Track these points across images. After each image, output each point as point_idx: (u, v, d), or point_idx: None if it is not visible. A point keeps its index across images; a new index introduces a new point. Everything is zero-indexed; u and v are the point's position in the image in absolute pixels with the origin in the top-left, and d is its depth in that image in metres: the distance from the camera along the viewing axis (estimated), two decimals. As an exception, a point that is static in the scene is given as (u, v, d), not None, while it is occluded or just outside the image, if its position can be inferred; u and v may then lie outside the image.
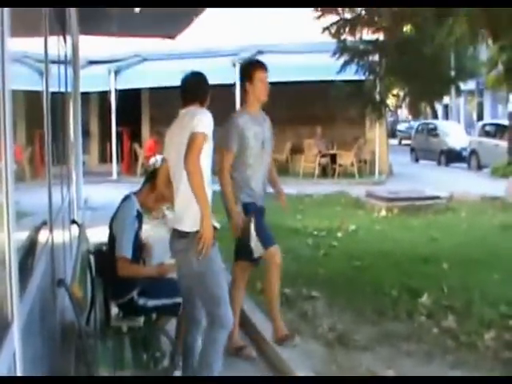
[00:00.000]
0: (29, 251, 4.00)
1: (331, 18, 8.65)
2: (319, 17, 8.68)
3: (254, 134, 5.59)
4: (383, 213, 12.85)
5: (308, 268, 8.19)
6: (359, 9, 8.54)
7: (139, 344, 4.33)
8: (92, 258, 5.63)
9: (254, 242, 5.45)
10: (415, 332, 5.90)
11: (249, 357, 5.55)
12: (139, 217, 5.04)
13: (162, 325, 5.03)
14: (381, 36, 8.90)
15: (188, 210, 4.33)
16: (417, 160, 30.31)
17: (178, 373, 4.75)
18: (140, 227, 5.06)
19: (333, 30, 8.69)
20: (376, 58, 8.92)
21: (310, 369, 5.00)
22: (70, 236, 6.77)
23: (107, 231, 5.15)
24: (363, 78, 9.03)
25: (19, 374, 2.66)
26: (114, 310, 4.95)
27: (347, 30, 8.62)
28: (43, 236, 4.66)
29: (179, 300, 4.93)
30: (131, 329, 4.66)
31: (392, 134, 46.94)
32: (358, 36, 8.76)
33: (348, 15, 8.60)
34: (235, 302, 5.41)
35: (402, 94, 9.89)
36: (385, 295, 6.89)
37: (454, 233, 10.71)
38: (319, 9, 8.61)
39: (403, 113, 48.92)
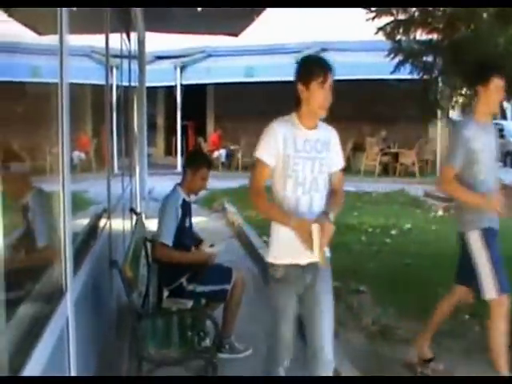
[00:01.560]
0: (89, 234, 4.31)
1: (386, 18, 8.76)
2: (373, 18, 8.78)
3: (482, 145, 4.75)
4: (440, 213, 12.86)
5: (359, 263, 8.34)
6: (412, 9, 8.63)
7: (186, 325, 4.59)
8: (148, 244, 5.96)
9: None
10: (457, 329, 5.98)
11: (435, 371, 5.18)
12: (185, 205, 5.23)
13: (211, 309, 5.28)
14: (435, 36, 8.94)
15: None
16: (482, 161, 29.79)
17: (222, 355, 5.02)
18: (187, 215, 5.26)
19: (387, 31, 8.80)
20: (430, 58, 8.97)
21: (350, 360, 5.15)
22: (128, 223, 7.10)
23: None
24: (419, 77, 9.08)
25: (71, 338, 2.96)
26: (165, 294, 5.24)
27: (401, 30, 8.72)
28: (103, 222, 4.98)
29: (227, 287, 5.18)
30: (180, 311, 4.94)
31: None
32: (412, 36, 8.85)
33: (402, 16, 8.70)
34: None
35: (467, 93, 9.89)
36: (431, 292, 6.97)
37: (510, 235, 10.65)
38: (372, 9, 8.72)
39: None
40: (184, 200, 5.26)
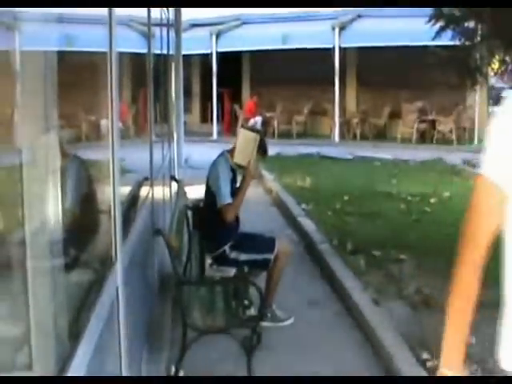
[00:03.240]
0: (132, 203, 4.32)
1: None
2: None
3: None
4: (479, 181, 12.69)
5: (398, 232, 8.27)
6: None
7: (230, 293, 4.60)
8: (189, 213, 5.96)
9: None
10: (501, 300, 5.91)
11: None
12: (233, 172, 5.27)
13: (254, 277, 5.29)
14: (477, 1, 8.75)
15: None
16: (521, 129, 29.41)
17: (264, 323, 5.02)
18: (234, 181, 5.29)
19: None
20: (472, 24, 8.78)
21: (393, 329, 5.14)
22: (169, 191, 7.12)
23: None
24: (459, 43, 8.91)
25: (121, 309, 2.97)
26: (208, 262, 5.26)
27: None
28: (145, 190, 4.98)
29: (269, 256, 5.18)
30: (223, 279, 4.96)
31: (497, 101, 45.63)
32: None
33: None
34: None
35: (508, 59, 9.70)
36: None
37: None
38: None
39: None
40: (231, 166, 5.30)
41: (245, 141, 5.14)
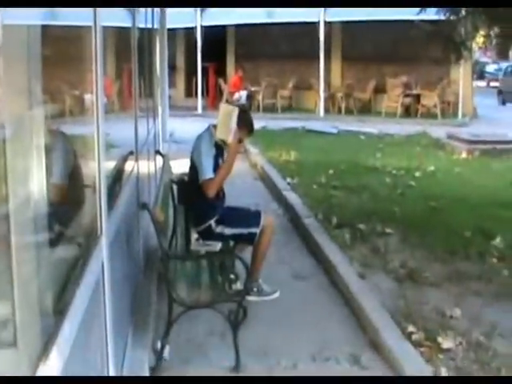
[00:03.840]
0: (117, 177, 4.29)
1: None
2: None
3: None
4: (463, 155, 12.76)
5: (384, 206, 8.30)
6: None
7: (215, 268, 4.60)
8: (175, 187, 5.94)
9: None
10: (485, 273, 5.95)
11: None
12: (218, 147, 5.22)
13: (240, 251, 5.29)
14: None
15: None
16: (504, 103, 29.48)
17: (250, 297, 5.02)
18: (219, 156, 5.24)
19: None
20: None
21: (378, 302, 5.16)
22: (154, 166, 7.08)
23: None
24: (444, 18, 8.88)
25: (106, 283, 2.96)
26: (194, 236, 5.25)
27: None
28: (130, 165, 4.95)
29: (255, 230, 5.17)
30: (209, 253, 4.95)
31: (481, 75, 45.66)
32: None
33: None
34: None
35: (492, 34, 9.69)
36: (458, 236, 6.95)
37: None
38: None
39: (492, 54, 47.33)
40: (216, 142, 5.24)
41: (224, 115, 5.12)
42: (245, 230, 5.21)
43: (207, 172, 5.10)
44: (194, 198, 5.21)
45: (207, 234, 5.18)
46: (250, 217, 5.28)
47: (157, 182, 6.33)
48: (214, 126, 5.27)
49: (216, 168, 5.15)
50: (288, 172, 10.28)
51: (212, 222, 5.17)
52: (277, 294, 5.36)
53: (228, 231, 5.16)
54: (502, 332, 4.69)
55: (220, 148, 5.28)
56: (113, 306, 3.14)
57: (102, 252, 2.93)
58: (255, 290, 5.26)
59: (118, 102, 6.91)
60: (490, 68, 46.57)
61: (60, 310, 2.21)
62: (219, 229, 5.17)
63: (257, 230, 5.19)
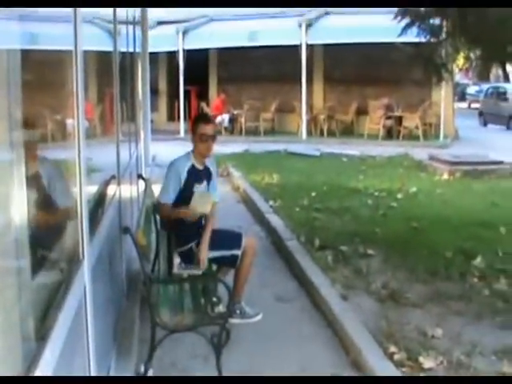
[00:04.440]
0: (99, 202, 4.31)
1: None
2: None
3: None
4: (445, 176, 12.87)
5: (366, 227, 8.35)
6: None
7: (198, 291, 4.61)
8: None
9: None
10: (466, 293, 6.00)
11: None
12: (193, 171, 5.27)
13: (223, 275, 5.30)
14: None
15: None
16: (485, 124, 29.76)
17: (233, 320, 5.03)
18: (194, 181, 5.27)
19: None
20: (438, 21, 8.88)
21: (360, 323, 5.19)
22: (136, 190, 7.10)
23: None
24: (425, 40, 9.01)
25: (89, 307, 2.97)
26: (177, 260, 5.26)
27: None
28: (112, 189, 4.97)
29: (237, 252, 5.19)
30: (191, 277, 4.96)
31: (462, 97, 46.10)
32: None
33: None
34: None
35: (472, 56, 9.82)
36: (439, 256, 7.00)
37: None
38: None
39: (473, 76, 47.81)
40: (193, 166, 5.28)
41: (200, 197, 5.21)
42: (227, 253, 5.23)
43: (164, 194, 5.20)
44: (174, 221, 5.24)
45: (189, 257, 5.19)
46: (231, 239, 5.30)
47: (139, 206, 6.34)
48: (192, 151, 5.33)
49: (185, 193, 5.19)
50: (270, 195, 10.32)
51: (193, 245, 5.19)
52: (259, 317, 5.37)
53: (210, 254, 5.18)
54: (482, 351, 4.73)
55: (197, 172, 5.33)
56: (95, 330, 3.15)
57: (84, 276, 2.95)
58: (238, 312, 5.26)
59: (99, 127, 6.92)
60: (471, 90, 47.02)
61: (42, 334, 2.22)
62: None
63: (238, 252, 5.21)
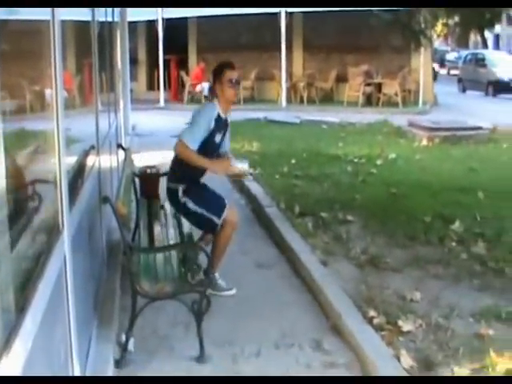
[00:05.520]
0: (78, 172, 4.31)
1: None
2: None
3: None
4: (424, 142, 12.95)
5: (345, 194, 8.41)
6: None
7: (178, 259, 4.62)
8: (137, 180, 5.97)
9: None
10: (445, 257, 6.08)
11: None
12: (219, 121, 5.26)
13: (206, 244, 5.30)
14: None
15: None
16: (464, 90, 29.91)
17: (210, 290, 5.04)
18: (219, 131, 5.30)
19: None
20: None
21: (339, 287, 5.25)
22: (116, 159, 7.09)
23: (153, 156, 5.41)
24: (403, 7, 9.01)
25: (69, 277, 2.99)
26: (157, 228, 5.28)
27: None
28: (91, 159, 4.97)
29: (216, 220, 5.19)
30: (172, 245, 4.98)
31: (441, 63, 46.15)
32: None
33: None
34: None
35: (451, 22, 9.85)
36: (418, 221, 7.08)
37: (493, 164, 10.80)
38: None
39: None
40: (219, 115, 5.27)
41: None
42: (206, 214, 5.21)
43: (190, 138, 5.15)
44: (175, 158, 5.35)
45: (174, 198, 5.28)
46: (215, 204, 5.30)
47: (119, 176, 6.34)
48: (218, 100, 5.33)
49: (209, 142, 5.22)
50: (250, 162, 10.31)
51: (180, 188, 5.24)
52: (233, 292, 5.38)
53: (191, 205, 5.20)
54: (460, 313, 4.81)
55: (222, 121, 5.33)
56: (76, 299, 3.17)
57: (64, 246, 2.96)
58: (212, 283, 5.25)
59: (78, 97, 6.88)
60: (451, 56, 47.10)
61: (22, 305, 2.23)
62: (184, 199, 5.23)
63: (218, 221, 5.21)
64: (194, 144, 5.13)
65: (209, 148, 5.24)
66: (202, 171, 5.39)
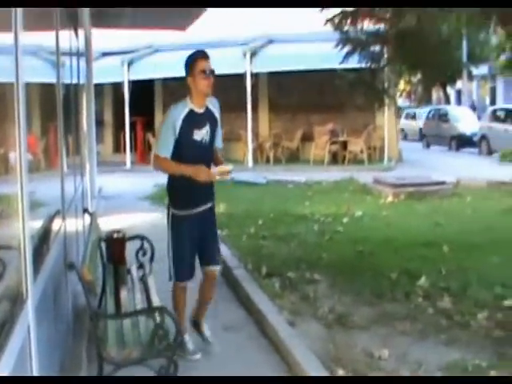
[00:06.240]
0: (43, 237, 4.30)
1: (334, 9, 8.89)
2: (322, 9, 8.92)
3: None
4: (390, 199, 13.10)
5: (312, 253, 8.45)
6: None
7: (145, 324, 4.60)
8: (103, 244, 5.96)
9: None
10: (411, 312, 6.13)
11: None
12: (191, 117, 5.03)
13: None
14: (382, 26, 9.10)
15: None
16: (428, 146, 30.44)
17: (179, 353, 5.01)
18: (194, 127, 5.04)
19: (335, 22, 8.93)
20: (378, 48, 9.13)
21: (307, 348, 5.25)
22: (82, 224, 7.07)
23: (120, 219, 5.42)
24: (366, 66, 9.23)
25: (33, 347, 2.97)
26: (123, 293, 5.26)
27: (349, 21, 8.86)
28: (57, 224, 4.96)
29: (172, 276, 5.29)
30: (138, 310, 4.94)
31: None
32: (359, 27, 8.99)
33: (349, 7, 8.84)
34: None
35: (413, 80, 10.09)
36: (384, 278, 7.13)
37: (458, 218, 10.95)
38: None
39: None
40: (191, 111, 5.04)
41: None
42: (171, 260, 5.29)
43: (158, 146, 5.06)
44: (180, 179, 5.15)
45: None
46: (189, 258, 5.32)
47: (85, 241, 6.32)
48: (190, 95, 5.11)
49: (183, 142, 5.00)
50: (218, 224, 10.30)
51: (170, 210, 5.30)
52: (198, 356, 5.34)
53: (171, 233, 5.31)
54: (427, 368, 4.86)
55: (197, 116, 5.07)
56: (41, 369, 3.13)
57: (28, 316, 2.94)
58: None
59: (44, 160, 6.89)
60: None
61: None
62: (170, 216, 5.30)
63: (172, 279, 5.31)
64: (163, 151, 4.98)
65: (190, 149, 5.02)
66: (192, 186, 5.04)
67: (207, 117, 5.14)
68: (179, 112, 4.99)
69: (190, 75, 5.04)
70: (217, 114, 5.25)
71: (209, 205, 5.37)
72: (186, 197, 5.17)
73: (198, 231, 5.30)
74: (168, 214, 5.29)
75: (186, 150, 4.99)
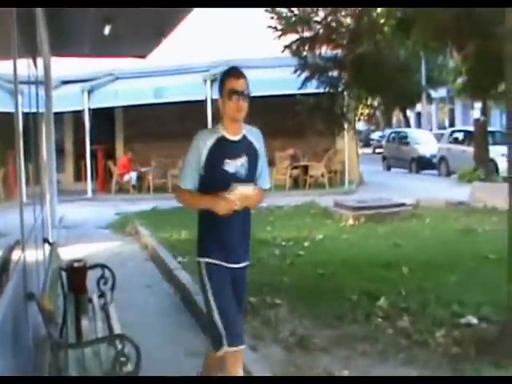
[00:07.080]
0: (2, 268, 4.30)
1: (291, 36, 9.07)
2: (279, 36, 9.09)
3: None
4: (350, 222, 13.23)
5: (273, 277, 8.51)
6: (317, 26, 8.97)
7: (106, 352, 4.61)
8: (64, 274, 5.95)
9: None
10: (371, 333, 6.23)
11: None
12: (220, 144, 4.29)
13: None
14: (339, 52, 9.30)
15: None
16: (389, 168, 30.81)
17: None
18: (224, 156, 4.26)
19: (293, 48, 9.11)
20: (336, 73, 9.31)
21: (268, 371, 5.29)
22: (42, 254, 7.05)
23: (81, 248, 5.42)
24: (325, 91, 9.40)
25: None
26: (84, 322, 5.26)
27: (307, 47, 9.05)
28: (16, 254, 4.95)
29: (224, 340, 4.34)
30: (99, 338, 4.95)
31: (366, 143, 47.57)
32: (317, 53, 9.18)
33: (307, 33, 9.02)
34: None
35: (373, 103, 10.29)
36: (345, 300, 7.22)
37: (417, 238, 11.14)
38: (279, 28, 9.02)
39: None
40: (222, 137, 4.32)
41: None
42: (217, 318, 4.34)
43: (181, 178, 4.39)
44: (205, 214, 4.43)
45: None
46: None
47: (45, 271, 6.30)
48: (222, 120, 4.40)
49: (212, 173, 4.25)
50: (179, 251, 10.34)
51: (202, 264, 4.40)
52: None
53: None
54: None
55: (228, 144, 4.32)
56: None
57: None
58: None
59: (2, 190, 6.87)
60: (375, 135, 48.60)
61: None
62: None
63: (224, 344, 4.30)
64: (185, 183, 4.34)
65: (221, 182, 4.21)
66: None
67: (244, 146, 4.36)
68: (206, 138, 4.29)
69: (221, 95, 4.33)
70: (257, 145, 4.46)
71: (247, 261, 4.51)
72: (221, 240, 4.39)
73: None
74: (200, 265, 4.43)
75: (215, 182, 4.23)
